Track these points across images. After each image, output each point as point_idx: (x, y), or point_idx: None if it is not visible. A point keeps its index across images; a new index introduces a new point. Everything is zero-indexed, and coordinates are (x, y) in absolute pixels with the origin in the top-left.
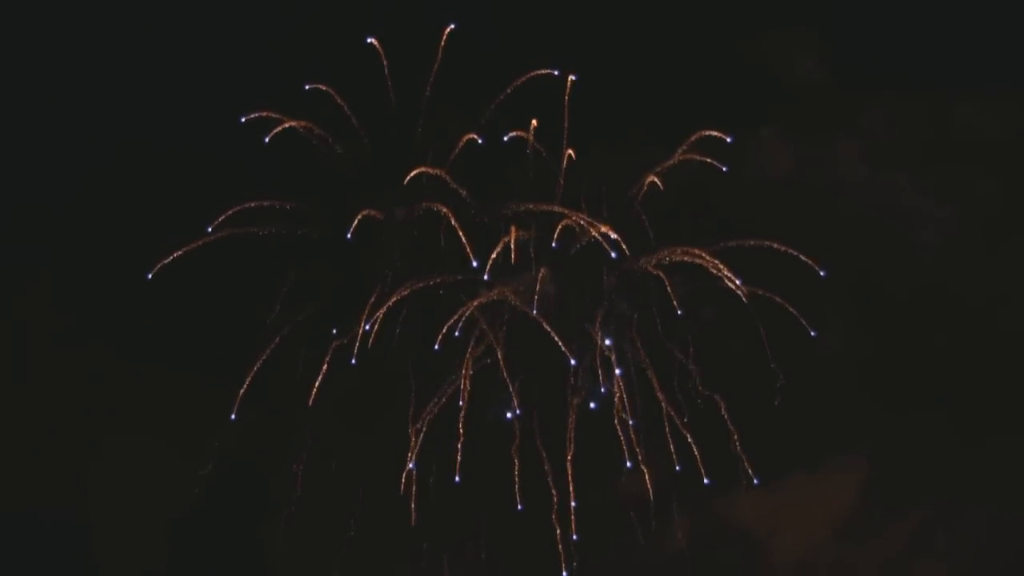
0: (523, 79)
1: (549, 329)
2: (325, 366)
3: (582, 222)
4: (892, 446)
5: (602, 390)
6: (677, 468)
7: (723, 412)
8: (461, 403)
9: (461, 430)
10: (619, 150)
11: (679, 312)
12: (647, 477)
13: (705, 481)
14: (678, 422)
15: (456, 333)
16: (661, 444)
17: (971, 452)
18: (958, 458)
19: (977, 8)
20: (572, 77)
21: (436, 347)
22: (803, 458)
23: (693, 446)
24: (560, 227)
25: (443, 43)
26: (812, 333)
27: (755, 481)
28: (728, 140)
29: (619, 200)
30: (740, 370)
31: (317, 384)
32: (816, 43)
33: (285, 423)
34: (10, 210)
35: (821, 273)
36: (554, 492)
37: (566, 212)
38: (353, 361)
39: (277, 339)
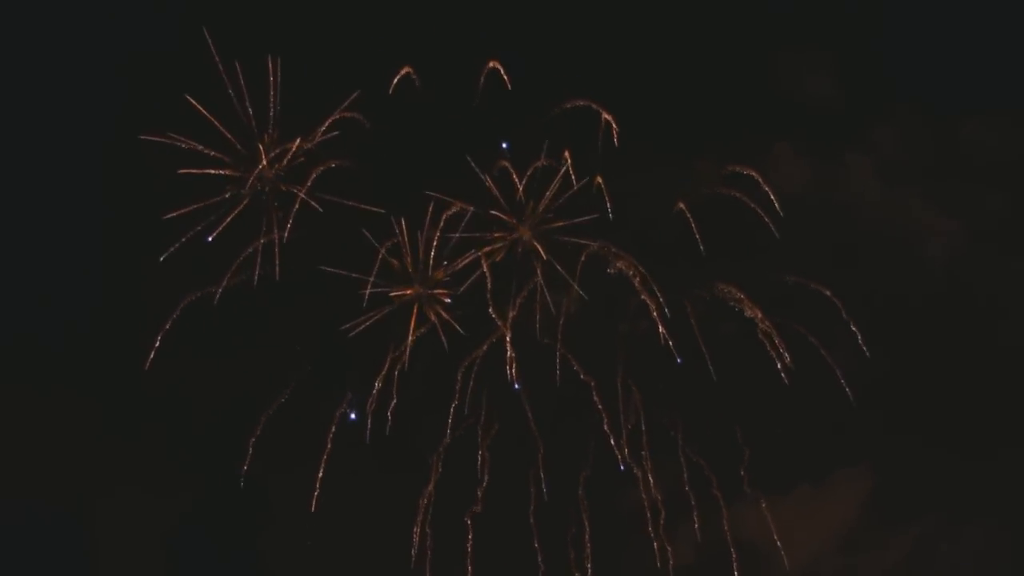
0: (557, 110)
1: (572, 360)
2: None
3: (610, 252)
4: (896, 459)
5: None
6: (686, 482)
7: (737, 433)
8: (479, 490)
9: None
10: (645, 175)
11: (699, 337)
12: (657, 491)
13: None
14: (680, 443)
15: (465, 410)
16: (672, 459)
17: (974, 466)
18: (961, 471)
19: (985, 29)
20: (605, 115)
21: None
22: (808, 472)
23: (702, 461)
24: (585, 255)
25: (483, 77)
26: (851, 399)
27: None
28: (758, 178)
29: (646, 227)
30: (750, 387)
31: (319, 482)
32: (828, 62)
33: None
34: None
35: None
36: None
37: (594, 242)
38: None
39: (275, 406)
